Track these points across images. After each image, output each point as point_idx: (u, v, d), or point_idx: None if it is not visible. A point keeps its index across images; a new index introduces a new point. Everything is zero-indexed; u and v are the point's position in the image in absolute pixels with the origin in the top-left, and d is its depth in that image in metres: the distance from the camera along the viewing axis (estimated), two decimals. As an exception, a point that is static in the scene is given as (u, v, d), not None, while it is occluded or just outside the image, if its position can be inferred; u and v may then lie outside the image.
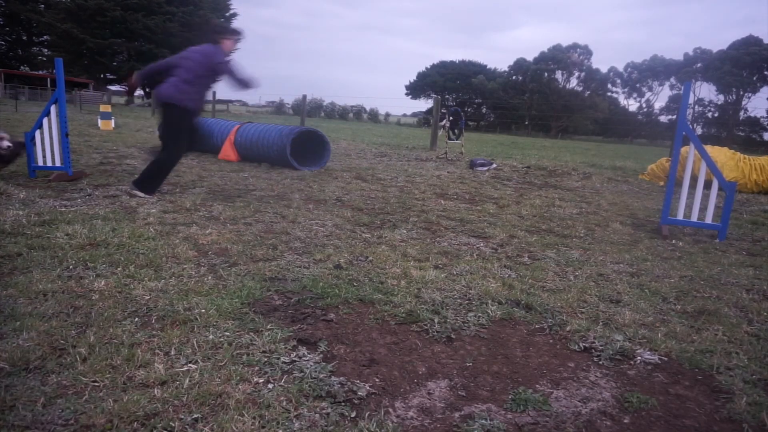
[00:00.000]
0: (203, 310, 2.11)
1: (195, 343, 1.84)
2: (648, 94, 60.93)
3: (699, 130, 54.67)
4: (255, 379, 1.64)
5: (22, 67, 51.06)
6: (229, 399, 1.51)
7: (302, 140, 7.35)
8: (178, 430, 1.37)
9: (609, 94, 61.76)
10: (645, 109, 61.31)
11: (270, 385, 1.61)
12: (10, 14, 46.58)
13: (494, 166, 9.32)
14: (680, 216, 4.35)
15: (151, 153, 5.03)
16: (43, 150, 4.96)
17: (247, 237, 3.34)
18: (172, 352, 1.77)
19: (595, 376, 1.86)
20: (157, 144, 4.87)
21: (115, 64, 46.88)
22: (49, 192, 4.38)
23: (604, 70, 61.19)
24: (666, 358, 2.00)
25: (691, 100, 53.56)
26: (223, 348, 1.83)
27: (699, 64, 55.43)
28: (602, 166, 11.48)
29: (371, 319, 2.21)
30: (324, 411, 1.51)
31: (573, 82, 60.00)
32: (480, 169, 8.87)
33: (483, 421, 1.52)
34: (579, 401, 1.68)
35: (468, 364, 1.89)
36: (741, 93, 54.78)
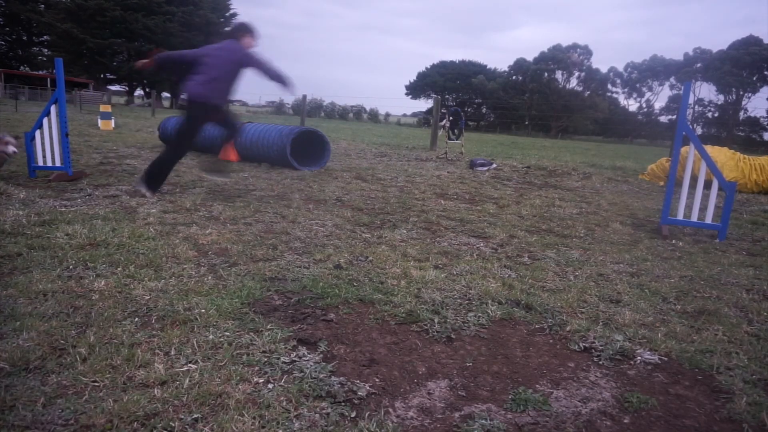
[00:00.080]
0: (203, 310, 2.11)
1: (195, 343, 1.84)
2: (648, 94, 60.99)
3: (699, 130, 54.68)
4: (255, 379, 1.64)
5: (22, 67, 51.09)
6: (229, 399, 1.51)
7: (302, 140, 7.35)
8: (178, 430, 1.37)
9: (609, 94, 61.79)
10: (645, 109, 61.33)
11: (270, 385, 1.61)
12: (10, 14, 46.59)
13: (494, 166, 9.32)
14: (680, 216, 4.35)
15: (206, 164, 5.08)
16: (43, 150, 4.96)
17: (247, 237, 3.34)
18: (172, 352, 1.77)
19: (595, 376, 1.86)
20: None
21: (115, 64, 46.92)
22: (49, 192, 4.38)
23: (604, 70, 61.26)
24: (666, 358, 2.00)
25: (691, 100, 53.55)
26: (223, 348, 1.83)
27: (699, 64, 55.44)
28: (602, 166, 11.48)
29: (371, 319, 2.21)
30: (324, 411, 1.51)
31: (573, 82, 60.04)
32: (480, 169, 8.87)
33: (483, 421, 1.52)
34: (579, 401, 1.68)
35: (468, 364, 1.89)
36: (741, 93, 54.80)
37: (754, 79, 53.52)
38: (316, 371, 1.72)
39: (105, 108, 13.70)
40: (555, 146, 23.68)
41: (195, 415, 1.43)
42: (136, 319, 2.01)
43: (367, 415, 1.51)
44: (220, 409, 1.47)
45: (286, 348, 1.87)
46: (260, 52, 4.53)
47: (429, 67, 68.47)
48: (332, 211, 4.41)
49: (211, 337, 1.90)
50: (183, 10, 45.24)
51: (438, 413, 1.57)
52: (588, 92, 58.94)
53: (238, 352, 1.81)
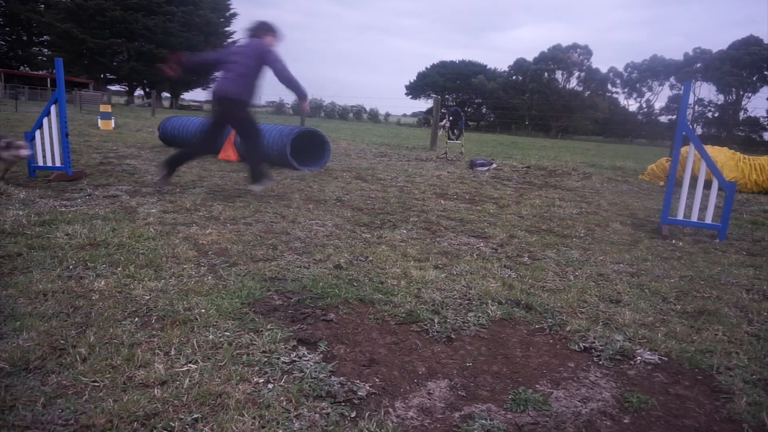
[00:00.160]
0: (203, 310, 2.11)
1: (195, 343, 1.84)
2: (648, 94, 61.05)
3: (699, 130, 54.70)
4: (255, 379, 1.64)
5: (22, 67, 51.10)
6: (229, 399, 1.51)
7: (302, 140, 7.35)
8: (178, 430, 1.37)
9: (609, 94, 61.80)
10: (645, 109, 61.36)
11: (270, 385, 1.61)
12: (10, 14, 46.60)
13: (494, 166, 9.32)
14: (680, 216, 4.35)
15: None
16: (43, 150, 4.96)
17: (247, 237, 3.34)
18: (172, 352, 1.77)
19: (595, 376, 1.86)
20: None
21: (115, 64, 46.93)
22: (49, 192, 4.38)
23: (604, 70, 61.30)
24: (666, 358, 2.00)
25: (691, 100, 53.56)
26: (223, 348, 1.83)
27: (699, 64, 55.46)
28: (602, 166, 11.48)
29: (371, 319, 2.21)
30: (324, 411, 1.51)
31: (573, 82, 60.07)
32: (480, 169, 8.87)
33: (483, 421, 1.52)
34: (579, 401, 1.68)
35: (468, 364, 1.89)
36: (741, 93, 54.82)
37: (754, 79, 53.55)
38: (316, 371, 1.72)
39: (105, 108, 13.70)
40: (555, 146, 23.68)
41: (195, 415, 1.43)
42: (136, 319, 2.01)
43: (367, 415, 1.51)
44: (220, 409, 1.47)
45: (286, 348, 1.87)
46: (279, 53, 4.60)
47: (429, 67, 68.52)
48: (332, 211, 4.41)
49: (211, 337, 1.90)
50: (183, 10, 45.24)
51: (438, 413, 1.57)
52: (588, 92, 58.96)
53: (238, 352, 1.81)
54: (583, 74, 59.20)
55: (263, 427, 1.40)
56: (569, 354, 2.02)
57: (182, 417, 1.42)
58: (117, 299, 2.18)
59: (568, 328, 2.22)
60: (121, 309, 2.08)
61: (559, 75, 59.53)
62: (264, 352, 1.82)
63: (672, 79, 57.93)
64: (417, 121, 59.71)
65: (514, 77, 61.55)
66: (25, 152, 4.75)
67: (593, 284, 2.85)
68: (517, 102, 59.00)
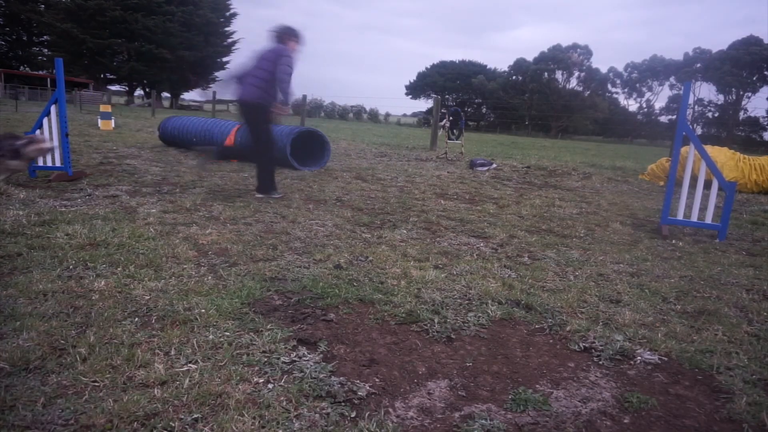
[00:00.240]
0: (203, 310, 2.11)
1: (195, 343, 1.84)
2: (648, 94, 61.01)
3: (699, 130, 54.70)
4: (255, 379, 1.64)
5: (22, 67, 51.08)
6: (229, 399, 1.51)
7: (302, 140, 7.35)
8: (178, 430, 1.37)
9: (609, 94, 61.79)
10: (645, 109, 61.35)
11: (270, 385, 1.61)
12: (10, 14, 46.59)
13: (494, 166, 9.32)
14: (680, 216, 4.35)
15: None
16: (43, 150, 4.96)
17: (247, 237, 3.34)
18: (172, 352, 1.77)
19: (595, 376, 1.86)
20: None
21: (115, 64, 46.91)
22: (49, 192, 4.38)
23: (604, 70, 61.27)
24: (666, 358, 2.00)
25: (691, 100, 53.57)
26: (223, 348, 1.83)
27: (699, 64, 55.46)
28: (602, 166, 11.48)
29: (371, 319, 2.21)
30: (324, 411, 1.51)
31: (573, 82, 60.06)
32: (480, 169, 8.87)
33: (483, 421, 1.52)
34: (579, 401, 1.68)
35: (468, 364, 1.89)
36: (741, 93, 54.82)
37: (754, 79, 53.55)
38: (316, 371, 1.72)
39: (105, 108, 13.70)
40: (555, 146, 23.68)
41: (195, 415, 1.43)
42: (136, 319, 2.01)
43: (367, 415, 1.51)
44: (220, 409, 1.47)
45: (286, 348, 1.87)
46: (293, 62, 4.65)
47: (429, 67, 68.49)
48: (332, 211, 4.41)
49: (211, 337, 1.90)
50: (183, 10, 45.21)
51: (438, 413, 1.57)
52: (588, 92, 58.96)
53: (238, 352, 1.81)
54: (583, 74, 59.20)
55: (263, 427, 1.40)
56: (569, 354, 2.02)
57: (182, 417, 1.42)
58: (117, 299, 2.18)
59: (568, 328, 2.22)
60: (121, 309, 2.08)
61: (559, 75, 59.53)
62: (264, 352, 1.83)
63: (672, 79, 57.94)
64: (417, 121, 59.71)
65: (514, 77, 61.54)
66: (47, 145, 4.72)
67: (593, 284, 2.86)
68: (517, 102, 59.00)
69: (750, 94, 55.10)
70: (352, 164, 8.46)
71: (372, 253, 3.16)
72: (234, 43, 51.88)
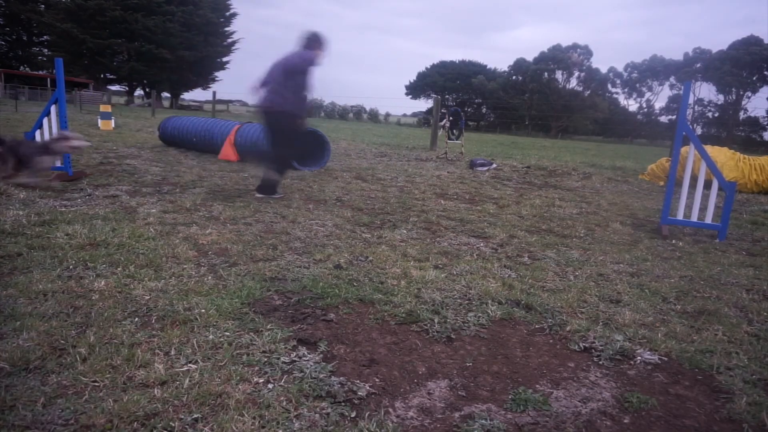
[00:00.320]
0: (203, 310, 2.11)
1: (195, 343, 1.84)
2: (648, 94, 61.01)
3: (699, 130, 54.70)
4: (255, 379, 1.64)
5: (22, 67, 51.08)
6: (229, 399, 1.51)
7: (302, 140, 7.34)
8: (178, 430, 1.37)
9: (609, 94, 61.79)
10: (645, 109, 61.36)
11: (270, 385, 1.61)
12: (10, 14, 46.59)
13: (494, 166, 9.32)
14: (680, 216, 4.35)
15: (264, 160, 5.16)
16: (43, 150, 4.96)
17: (247, 237, 3.34)
18: (172, 352, 1.77)
19: (595, 376, 1.86)
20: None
21: (115, 64, 46.90)
22: (49, 192, 4.38)
23: (604, 70, 61.27)
24: (666, 358, 2.00)
25: (691, 100, 53.57)
26: (223, 348, 1.83)
27: (699, 64, 55.45)
28: (602, 166, 11.48)
29: (371, 319, 2.21)
30: (324, 411, 1.51)
31: (573, 82, 60.05)
32: (480, 169, 8.87)
33: (483, 421, 1.52)
34: (579, 401, 1.68)
35: (468, 364, 1.89)
36: (741, 93, 54.82)
37: (754, 79, 53.55)
38: (316, 371, 1.72)
39: (105, 108, 13.69)
40: (555, 146, 23.68)
41: (195, 415, 1.43)
42: (136, 319, 2.01)
43: (367, 415, 1.51)
44: (220, 409, 1.47)
45: (286, 348, 1.87)
46: (314, 71, 4.63)
47: (429, 67, 68.50)
48: (332, 211, 4.41)
49: (211, 337, 1.90)
50: (183, 10, 45.20)
51: (438, 413, 1.57)
52: (588, 92, 58.96)
53: (238, 352, 1.81)
54: (583, 74, 59.19)
55: (263, 427, 1.40)
56: (569, 354, 2.02)
57: (182, 417, 1.42)
58: (117, 299, 2.18)
59: (568, 328, 2.22)
60: (121, 309, 2.08)
61: (559, 75, 59.52)
62: (264, 352, 1.82)
63: (672, 79, 57.93)
64: (417, 121, 59.72)
65: (514, 77, 61.53)
66: (79, 143, 4.54)
67: (593, 284, 2.86)
68: (517, 102, 59.00)
69: (750, 94, 55.13)
70: (352, 164, 8.46)
71: (372, 253, 3.15)
72: (234, 43, 51.88)
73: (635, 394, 1.72)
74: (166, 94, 51.83)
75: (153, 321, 2.01)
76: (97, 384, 1.55)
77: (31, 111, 18.69)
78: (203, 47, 47.24)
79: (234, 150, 7.60)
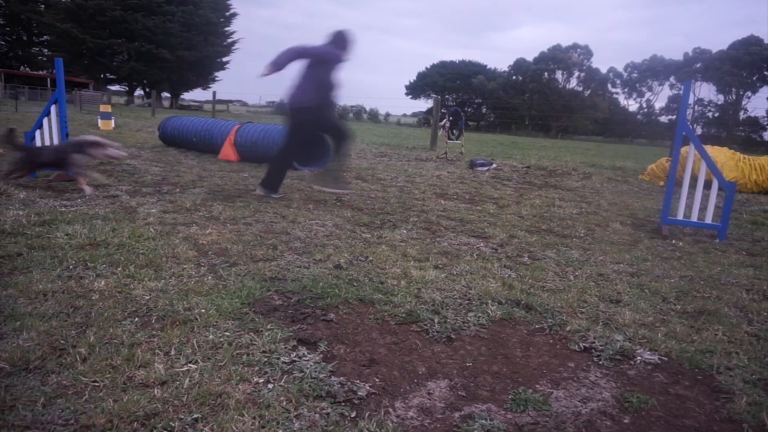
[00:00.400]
0: (203, 310, 2.11)
1: (195, 343, 1.84)
2: (648, 94, 60.99)
3: (699, 130, 54.69)
4: (255, 379, 1.64)
5: (22, 67, 51.09)
6: (229, 399, 1.51)
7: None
8: (178, 430, 1.37)
9: (609, 94, 61.78)
10: (645, 109, 61.34)
11: (270, 385, 1.61)
12: (10, 14, 46.59)
13: (494, 166, 9.32)
14: (680, 216, 4.35)
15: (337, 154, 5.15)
16: (43, 150, 4.95)
17: (247, 237, 3.34)
18: (172, 352, 1.77)
19: (595, 376, 1.86)
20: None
21: (115, 64, 46.90)
22: (49, 192, 4.38)
23: (604, 70, 61.23)
24: (666, 358, 2.00)
25: (691, 100, 53.57)
26: (223, 348, 1.83)
27: (699, 64, 55.45)
28: (602, 166, 11.48)
29: (371, 319, 2.21)
30: (324, 411, 1.51)
31: (573, 82, 60.04)
32: (480, 169, 8.87)
33: (483, 421, 1.52)
34: (579, 401, 1.68)
35: (468, 364, 1.89)
36: (741, 93, 54.82)
37: (754, 79, 53.54)
38: (316, 371, 1.72)
39: (105, 108, 13.70)
40: (555, 146, 23.68)
41: (195, 415, 1.43)
42: (136, 319, 2.01)
43: (367, 415, 1.51)
44: (220, 409, 1.47)
45: (286, 348, 1.87)
46: (336, 67, 4.62)
47: (429, 67, 68.48)
48: (332, 211, 4.41)
49: (211, 337, 1.90)
50: (183, 10, 45.20)
51: (438, 413, 1.57)
52: (588, 92, 58.95)
53: (238, 352, 1.81)
54: (583, 74, 59.18)
55: (263, 427, 1.40)
56: (569, 354, 2.02)
57: (182, 417, 1.42)
58: (117, 299, 2.18)
59: (568, 328, 2.22)
60: (121, 309, 2.08)
61: (559, 75, 59.51)
62: (264, 352, 1.82)
63: (672, 79, 57.92)
64: (417, 121, 59.70)
65: (514, 77, 61.50)
66: (115, 152, 4.28)
67: (593, 284, 2.86)
68: (517, 102, 58.99)
69: (750, 94, 55.11)
70: (352, 164, 8.46)
71: (372, 253, 3.15)
72: (234, 43, 51.88)
73: (635, 394, 1.72)
74: (166, 94, 51.83)
75: (153, 321, 2.01)
76: (97, 384, 1.55)
77: (31, 111, 18.69)
78: (203, 47, 47.25)
79: (234, 150, 7.60)
